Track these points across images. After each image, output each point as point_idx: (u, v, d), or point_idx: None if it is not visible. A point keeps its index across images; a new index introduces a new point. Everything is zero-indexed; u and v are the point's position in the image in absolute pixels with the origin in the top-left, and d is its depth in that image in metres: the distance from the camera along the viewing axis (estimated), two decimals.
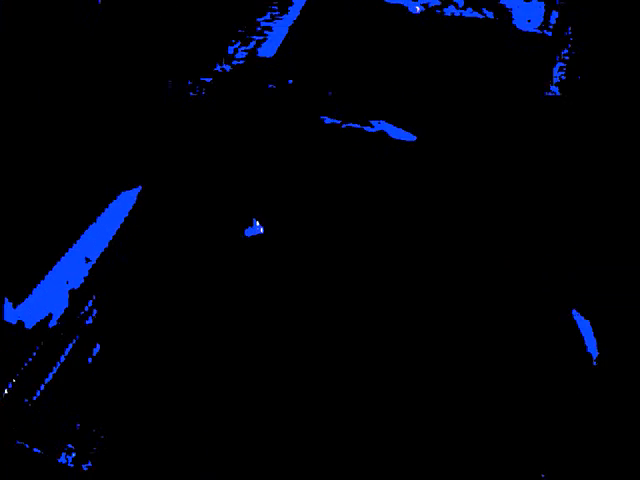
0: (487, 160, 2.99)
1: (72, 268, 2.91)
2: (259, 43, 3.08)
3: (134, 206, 3.00)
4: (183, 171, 3.05)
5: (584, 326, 2.77)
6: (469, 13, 3.19)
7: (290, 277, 2.79)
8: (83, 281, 2.89)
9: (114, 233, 2.96)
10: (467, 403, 2.59)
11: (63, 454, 2.72)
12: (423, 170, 2.94)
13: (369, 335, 2.71)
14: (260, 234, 2.88)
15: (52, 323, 2.83)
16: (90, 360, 2.83)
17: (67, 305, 2.85)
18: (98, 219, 2.98)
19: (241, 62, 3.07)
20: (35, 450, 2.68)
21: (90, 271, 2.90)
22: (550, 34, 3.08)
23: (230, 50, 3.13)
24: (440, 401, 2.59)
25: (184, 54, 3.19)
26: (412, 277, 2.80)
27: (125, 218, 2.99)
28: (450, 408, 2.59)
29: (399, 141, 2.99)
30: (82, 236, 2.95)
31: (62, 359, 2.81)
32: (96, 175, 3.06)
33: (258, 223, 2.95)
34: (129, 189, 3.04)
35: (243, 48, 3.11)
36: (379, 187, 2.92)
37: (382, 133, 3.00)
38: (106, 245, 2.94)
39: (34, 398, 2.75)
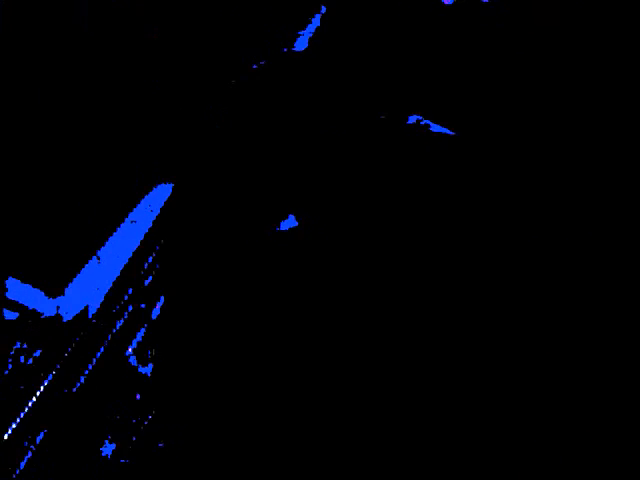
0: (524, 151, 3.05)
1: (109, 260, 2.88)
2: (291, 41, 2.95)
3: (168, 199, 2.96)
4: (216, 164, 3.00)
5: None
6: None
7: (323, 270, 2.86)
8: (120, 273, 2.88)
9: (150, 225, 2.93)
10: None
11: (105, 444, 2.81)
12: (465, 163, 2.97)
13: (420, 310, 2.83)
14: (295, 227, 2.92)
15: (90, 315, 2.83)
16: (129, 352, 2.87)
17: (106, 293, 2.85)
18: (131, 214, 2.93)
19: (273, 58, 2.96)
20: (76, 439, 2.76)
21: (128, 261, 2.88)
22: None
23: (262, 49, 3.01)
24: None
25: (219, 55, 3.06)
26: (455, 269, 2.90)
27: (161, 209, 2.95)
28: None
29: (440, 134, 3.00)
30: (118, 229, 2.91)
31: (102, 350, 2.84)
32: (131, 169, 2.98)
33: (294, 217, 2.98)
34: (163, 183, 2.98)
35: (274, 45, 2.98)
36: (421, 181, 2.95)
37: (423, 127, 3.00)
38: (142, 237, 2.91)
39: (74, 390, 2.79)
